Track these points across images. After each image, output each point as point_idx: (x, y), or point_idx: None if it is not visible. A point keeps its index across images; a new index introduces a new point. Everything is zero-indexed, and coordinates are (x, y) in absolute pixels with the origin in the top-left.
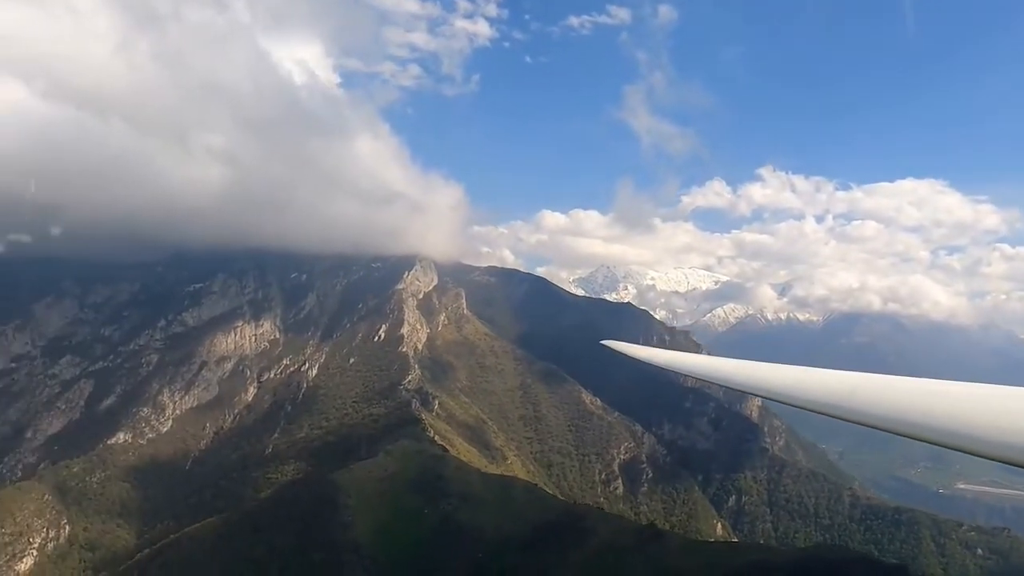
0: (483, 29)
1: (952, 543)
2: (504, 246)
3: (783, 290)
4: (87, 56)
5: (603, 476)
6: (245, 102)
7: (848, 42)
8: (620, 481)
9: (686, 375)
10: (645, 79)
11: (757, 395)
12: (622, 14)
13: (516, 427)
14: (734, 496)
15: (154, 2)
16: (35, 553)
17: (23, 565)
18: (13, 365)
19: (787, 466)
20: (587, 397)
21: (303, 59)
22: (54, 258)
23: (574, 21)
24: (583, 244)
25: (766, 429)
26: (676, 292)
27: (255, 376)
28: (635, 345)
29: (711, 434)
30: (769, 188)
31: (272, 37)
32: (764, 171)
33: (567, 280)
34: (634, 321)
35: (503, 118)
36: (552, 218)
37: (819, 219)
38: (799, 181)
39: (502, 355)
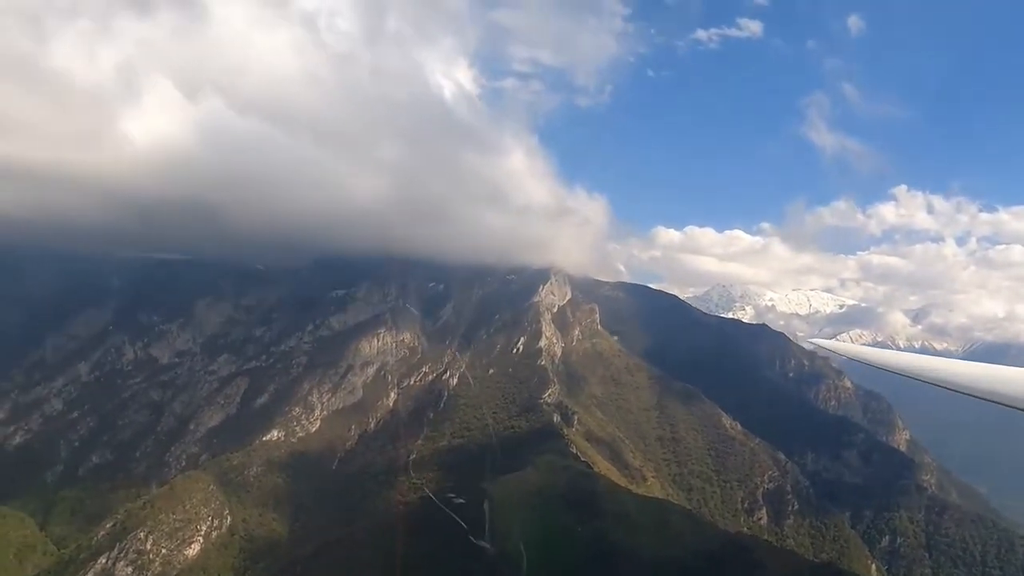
0: (607, 43)
1: None
2: (618, 261)
3: (917, 316)
4: (276, 72)
5: (746, 504)
6: (402, 114)
7: (990, 58)
8: (764, 511)
9: (907, 376)
10: (769, 95)
11: (991, 401)
12: (752, 27)
13: (653, 447)
14: (887, 536)
15: (334, 21)
16: (201, 540)
17: (191, 551)
18: (177, 360)
19: (949, 507)
20: (727, 420)
21: (448, 71)
22: (215, 260)
23: (702, 35)
24: (697, 262)
25: (919, 464)
26: (797, 314)
27: (396, 382)
28: (845, 343)
29: (860, 468)
30: (903, 208)
31: (421, 50)
32: (898, 190)
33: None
34: (770, 343)
35: (617, 135)
36: (666, 234)
37: (960, 241)
38: (937, 201)
39: (636, 372)
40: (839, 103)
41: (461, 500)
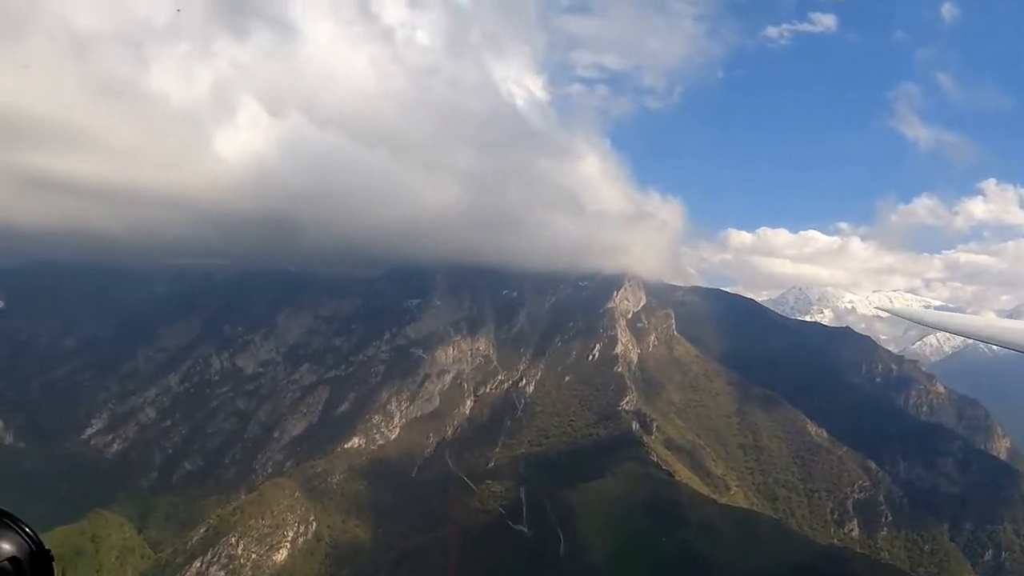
0: (675, 45)
1: None
2: (689, 265)
3: (1010, 317)
4: (355, 88)
5: (836, 515)
6: (476, 123)
7: None
8: (855, 522)
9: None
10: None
11: None
12: (826, 21)
13: (735, 455)
14: (991, 549)
15: (411, 36)
16: (288, 546)
17: (279, 556)
18: (261, 370)
19: None
20: (812, 428)
21: (518, 79)
22: (295, 273)
23: (772, 32)
24: (771, 264)
25: (1022, 473)
26: (878, 316)
27: (472, 390)
28: (924, 310)
29: (957, 477)
30: (992, 203)
31: (492, 60)
32: (986, 185)
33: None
34: (854, 346)
35: (688, 136)
36: (738, 236)
37: None
38: None
39: (715, 378)
40: (931, 94)
41: (544, 509)
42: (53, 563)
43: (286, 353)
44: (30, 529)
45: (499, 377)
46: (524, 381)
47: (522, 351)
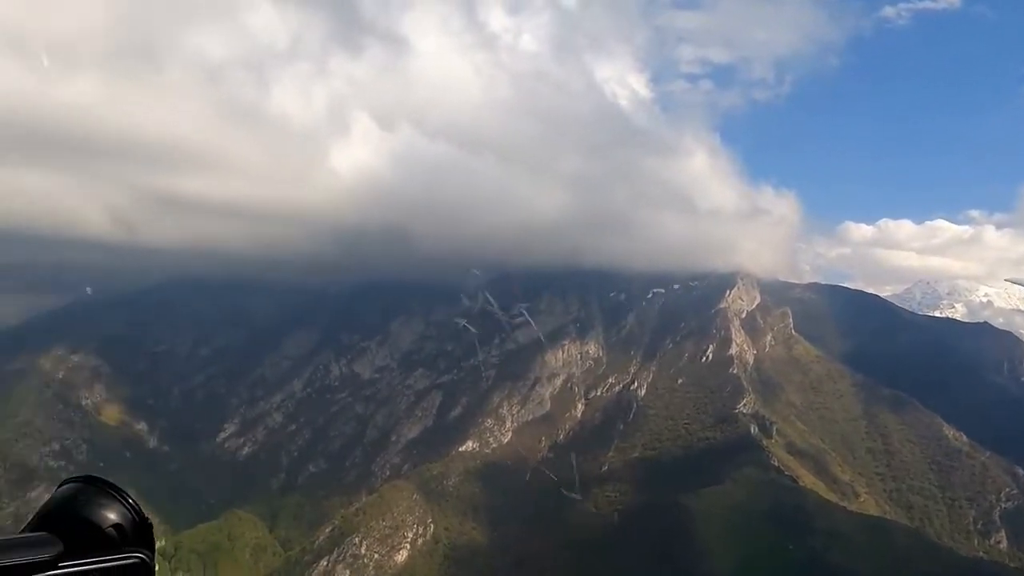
0: (783, 33)
1: None
2: (803, 261)
3: None
4: (462, 98)
5: (980, 525)
6: (581, 126)
7: None
8: (1003, 533)
9: None
10: (974, 70)
11: None
12: None
13: (864, 460)
14: None
15: (514, 42)
16: (408, 546)
17: (400, 556)
18: (377, 376)
19: None
20: (949, 431)
21: (622, 79)
22: (406, 281)
23: (889, 11)
24: (894, 257)
25: None
26: (1019, 310)
27: (582, 393)
28: None
29: None
30: None
31: (596, 61)
32: None
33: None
34: (995, 343)
35: (801, 127)
36: (856, 230)
37: None
38: None
39: (838, 379)
40: None
41: (663, 515)
42: (152, 531)
43: (400, 359)
44: (132, 499)
45: (609, 380)
46: (635, 384)
47: (632, 353)
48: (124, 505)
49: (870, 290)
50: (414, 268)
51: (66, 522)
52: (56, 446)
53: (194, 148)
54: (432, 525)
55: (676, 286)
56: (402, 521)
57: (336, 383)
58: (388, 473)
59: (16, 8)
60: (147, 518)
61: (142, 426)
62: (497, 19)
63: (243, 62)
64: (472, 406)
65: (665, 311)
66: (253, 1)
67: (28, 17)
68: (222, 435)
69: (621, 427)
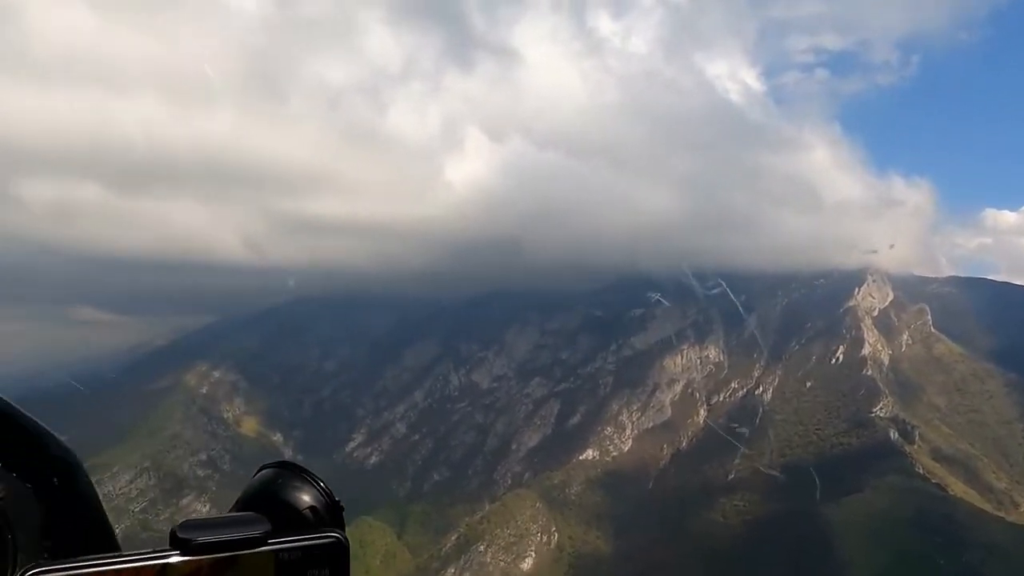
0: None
1: None
2: (939, 253)
3: None
4: (570, 105)
5: None
6: (692, 125)
7: None
8: None
9: None
10: None
11: None
12: None
13: (1021, 467)
14: None
15: (620, 46)
16: (533, 555)
17: (525, 565)
18: (495, 385)
19: None
20: None
21: (731, 74)
22: (520, 290)
23: None
24: None
25: None
26: None
27: (704, 399)
28: None
29: None
30: None
31: (703, 57)
32: None
33: None
34: None
35: (931, 109)
36: (999, 217)
37: None
38: None
39: (987, 379)
40: None
41: (800, 524)
42: (342, 513)
43: (517, 368)
44: (324, 483)
45: (732, 385)
46: (760, 388)
47: (755, 357)
48: (317, 488)
49: (1017, 282)
50: (528, 277)
51: (268, 504)
52: (203, 456)
53: (317, 172)
54: (556, 534)
55: (796, 285)
56: (526, 529)
57: (456, 393)
58: (509, 481)
59: (155, 49)
60: (339, 501)
61: (277, 437)
62: (604, 23)
63: (360, 86)
64: (591, 414)
65: (789, 311)
66: (369, 26)
67: (167, 57)
68: (351, 445)
69: (747, 434)
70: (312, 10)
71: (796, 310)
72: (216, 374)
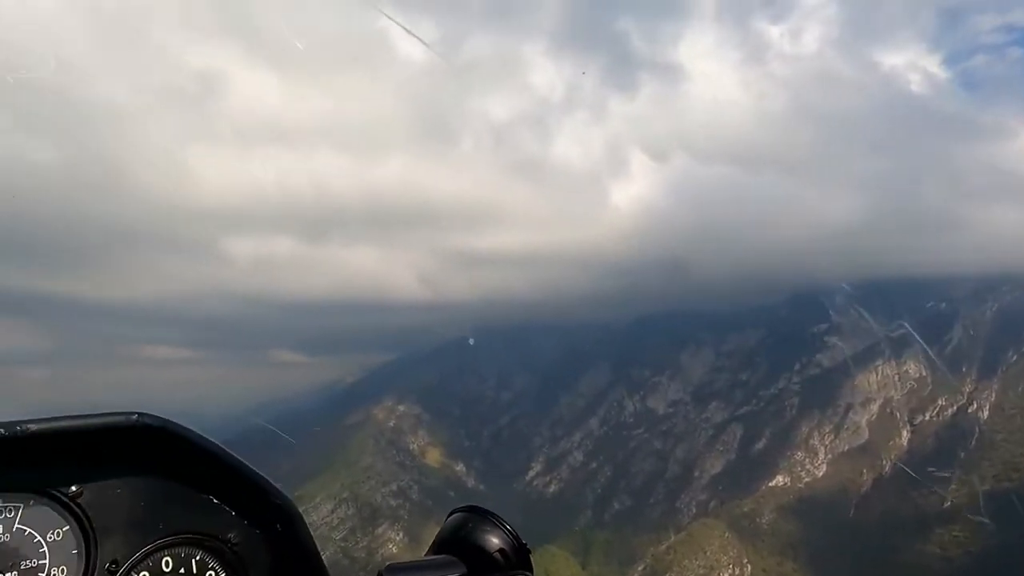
0: None
1: None
2: None
3: None
4: (733, 115)
5: None
6: (870, 122)
7: None
8: None
9: None
10: None
11: None
12: None
13: None
14: None
15: (779, 50)
16: None
17: None
18: (671, 410)
19: None
20: None
21: (911, 64)
22: (691, 310)
23: None
24: None
25: None
26: None
27: (906, 418)
28: None
29: None
30: None
31: (875, 50)
32: None
33: None
34: None
35: None
36: None
37: None
38: None
39: None
40: None
41: None
42: (529, 555)
43: (693, 392)
44: (511, 526)
45: (939, 402)
46: (974, 405)
47: (964, 370)
48: (504, 531)
49: None
50: (699, 296)
51: (460, 547)
52: (394, 486)
53: (486, 207)
54: (748, 565)
55: (1009, 288)
56: (716, 561)
57: (631, 419)
58: (694, 510)
59: (331, 105)
60: (525, 543)
61: (460, 467)
62: (769, 27)
63: (525, 119)
64: (777, 438)
65: (1001, 318)
66: (531, 60)
67: (343, 112)
68: (530, 473)
69: (962, 456)
70: (476, 51)
71: (1011, 316)
72: (401, 408)
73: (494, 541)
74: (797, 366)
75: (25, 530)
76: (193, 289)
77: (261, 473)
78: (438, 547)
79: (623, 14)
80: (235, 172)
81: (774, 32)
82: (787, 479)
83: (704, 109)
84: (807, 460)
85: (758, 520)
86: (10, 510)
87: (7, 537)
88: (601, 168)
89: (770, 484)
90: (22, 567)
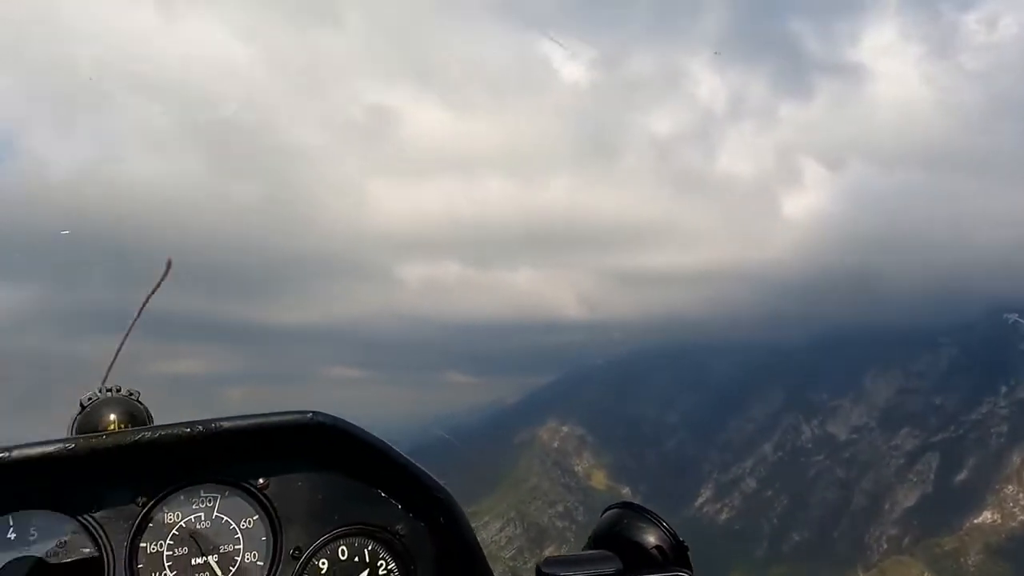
0: None
1: None
2: None
3: None
4: (916, 116)
5: None
6: None
7: None
8: None
9: None
10: None
11: None
12: None
13: None
14: None
15: (976, 37)
16: None
17: None
18: (854, 436)
19: None
20: None
21: None
22: (873, 328)
23: None
24: None
25: None
26: None
27: None
28: None
29: None
30: None
31: None
32: None
33: None
34: None
35: None
36: None
37: None
38: None
39: None
40: None
41: None
42: (688, 553)
43: (879, 417)
44: (668, 524)
45: None
46: None
47: None
48: (662, 528)
49: None
50: (881, 313)
51: (616, 543)
52: (560, 508)
53: (649, 224)
54: None
55: None
56: None
57: (809, 445)
58: (885, 546)
59: (498, 132)
60: (683, 541)
61: (626, 491)
62: (959, 16)
63: (690, 133)
64: (982, 468)
65: None
66: (694, 73)
67: (509, 138)
68: (699, 499)
69: None
70: (638, 68)
71: None
72: (565, 428)
73: (650, 538)
74: (1004, 388)
75: (223, 518)
76: (368, 312)
77: (424, 468)
78: (594, 542)
79: (794, 16)
80: (408, 200)
81: (966, 21)
82: (996, 515)
83: (885, 110)
84: (1020, 494)
85: (962, 560)
86: (209, 500)
87: (208, 524)
88: (772, 180)
89: (975, 521)
90: (221, 551)
